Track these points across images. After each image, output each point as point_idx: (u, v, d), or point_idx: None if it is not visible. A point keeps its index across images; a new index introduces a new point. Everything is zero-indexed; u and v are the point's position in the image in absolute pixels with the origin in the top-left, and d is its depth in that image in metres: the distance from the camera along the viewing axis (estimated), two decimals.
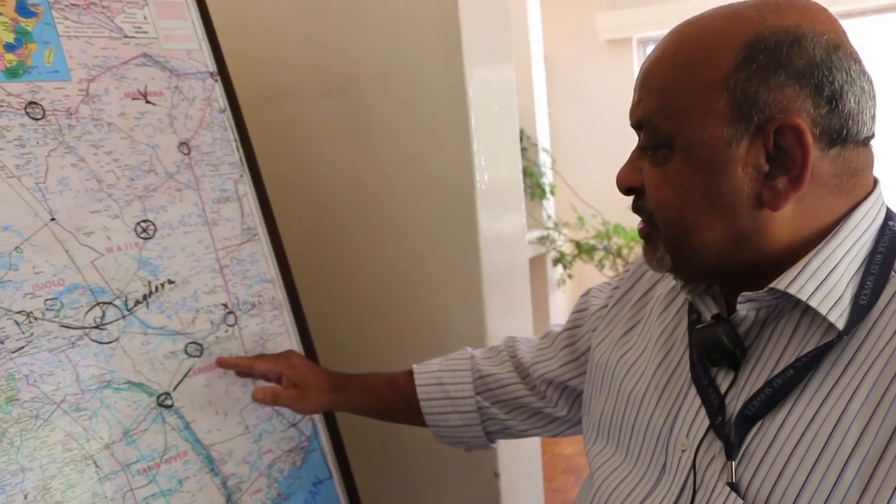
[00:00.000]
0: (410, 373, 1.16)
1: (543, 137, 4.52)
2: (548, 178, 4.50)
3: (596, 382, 0.98)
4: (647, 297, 0.97)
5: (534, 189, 4.37)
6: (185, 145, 1.17)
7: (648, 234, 0.80)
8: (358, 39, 1.44)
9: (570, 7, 4.94)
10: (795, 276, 0.72)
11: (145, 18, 1.16)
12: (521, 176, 1.50)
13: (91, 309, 1.03)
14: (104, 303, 1.04)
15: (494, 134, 1.42)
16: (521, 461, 1.45)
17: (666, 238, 0.78)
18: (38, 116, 1.03)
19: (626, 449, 0.89)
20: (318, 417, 1.24)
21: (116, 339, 1.05)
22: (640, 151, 0.79)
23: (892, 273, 0.72)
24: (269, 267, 1.24)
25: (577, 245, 4.61)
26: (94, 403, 1.01)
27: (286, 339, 1.24)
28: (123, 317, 1.06)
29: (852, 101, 0.70)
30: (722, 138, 0.71)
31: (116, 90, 1.11)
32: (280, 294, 1.24)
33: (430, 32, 1.37)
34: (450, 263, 1.41)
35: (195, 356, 1.12)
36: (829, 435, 0.69)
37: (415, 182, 1.43)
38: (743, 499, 0.72)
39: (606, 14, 4.83)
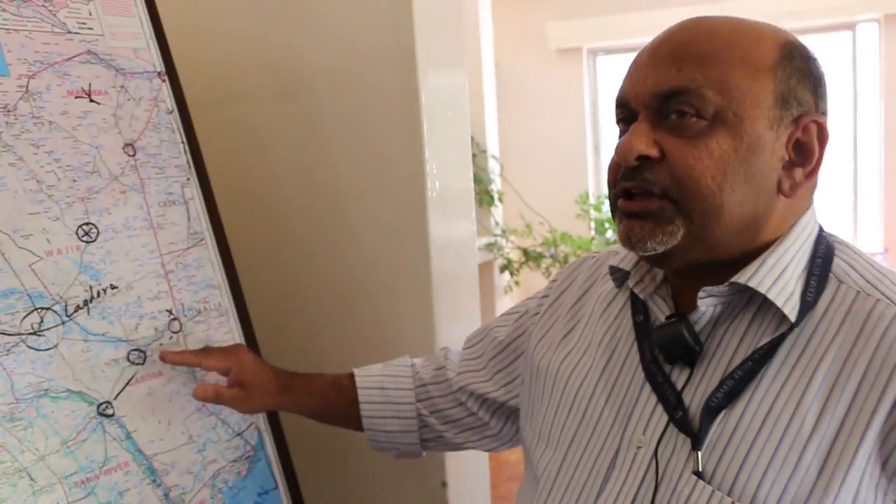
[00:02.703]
0: (352, 376, 1.16)
1: (492, 144, 4.55)
2: (496, 185, 4.52)
3: (538, 389, 1.00)
4: (582, 301, 1.00)
5: (482, 196, 4.39)
6: (130, 146, 1.14)
7: (661, 208, 0.79)
8: (310, 42, 1.43)
9: (521, 15, 4.97)
10: (755, 272, 0.79)
11: (90, 14, 1.13)
12: (472, 183, 1.50)
13: (28, 314, 0.99)
14: (42, 308, 1.00)
15: (446, 140, 1.42)
16: (468, 470, 1.45)
17: (692, 210, 0.77)
18: None
19: (569, 450, 0.90)
20: (263, 426, 1.21)
21: (55, 346, 1.01)
22: (653, 122, 0.79)
23: (831, 275, 0.81)
24: (216, 272, 1.21)
25: (525, 252, 4.64)
26: (29, 413, 0.97)
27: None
28: (63, 323, 1.02)
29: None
30: (768, 120, 0.77)
31: (59, 87, 1.08)
32: (226, 300, 1.21)
33: (383, 37, 1.36)
34: (400, 270, 1.40)
35: (138, 364, 1.09)
36: (789, 420, 0.75)
37: (366, 188, 1.42)
38: (709, 484, 0.76)
39: (557, 23, 4.88)
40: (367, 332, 1.44)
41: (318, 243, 1.48)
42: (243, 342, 1.22)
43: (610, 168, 0.85)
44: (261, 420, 1.21)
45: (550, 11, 4.94)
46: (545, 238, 4.60)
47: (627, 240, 0.81)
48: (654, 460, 0.81)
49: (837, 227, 4.82)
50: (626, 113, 0.83)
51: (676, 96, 0.77)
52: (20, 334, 0.98)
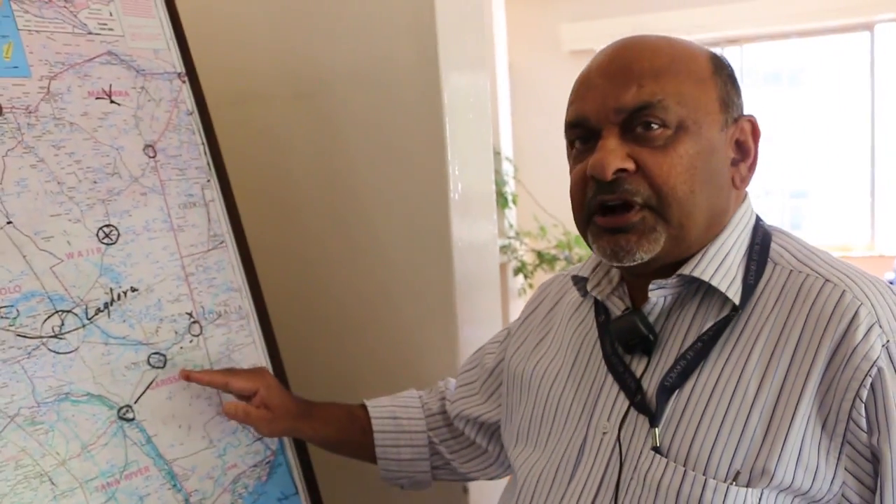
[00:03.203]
0: (364, 406, 1.19)
1: (506, 146, 4.52)
2: (510, 188, 4.49)
3: (514, 394, 1.06)
4: (553, 312, 1.08)
5: (496, 198, 4.36)
6: (150, 148, 1.13)
7: (643, 218, 0.84)
8: (330, 42, 1.41)
9: (535, 17, 4.95)
10: (698, 262, 0.86)
11: (111, 15, 1.12)
12: (493, 185, 1.49)
13: (49, 317, 0.98)
14: (63, 311, 0.99)
15: (468, 142, 1.40)
16: None
17: (673, 217, 0.84)
18: None
19: (545, 444, 0.97)
20: None
21: (76, 349, 1.00)
22: (621, 137, 0.84)
23: (769, 259, 0.88)
24: (236, 275, 1.20)
25: (539, 255, 4.61)
26: (50, 417, 0.96)
27: (252, 350, 1.20)
28: (83, 326, 1.01)
29: None
30: (718, 124, 0.86)
31: (80, 88, 1.07)
32: (247, 303, 1.20)
33: (405, 37, 1.35)
34: (422, 272, 1.39)
35: (158, 367, 1.08)
36: (734, 391, 0.82)
37: (387, 189, 1.40)
38: (666, 458, 0.83)
39: (571, 25, 4.86)
40: (389, 335, 1.42)
41: (338, 245, 1.46)
42: (264, 345, 1.21)
43: (575, 186, 0.89)
44: None
45: (564, 13, 4.91)
46: (559, 240, 4.56)
47: (614, 254, 0.86)
48: (617, 443, 0.88)
49: (854, 230, 4.77)
50: (584, 132, 0.87)
51: (643, 110, 0.83)
52: (41, 337, 0.97)
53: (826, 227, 4.85)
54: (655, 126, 0.83)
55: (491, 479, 1.21)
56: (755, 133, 0.89)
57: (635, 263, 0.86)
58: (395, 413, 1.19)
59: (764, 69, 4.93)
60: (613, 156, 0.83)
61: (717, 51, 0.91)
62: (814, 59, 4.85)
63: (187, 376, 1.08)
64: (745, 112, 0.90)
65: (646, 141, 0.83)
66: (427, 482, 1.22)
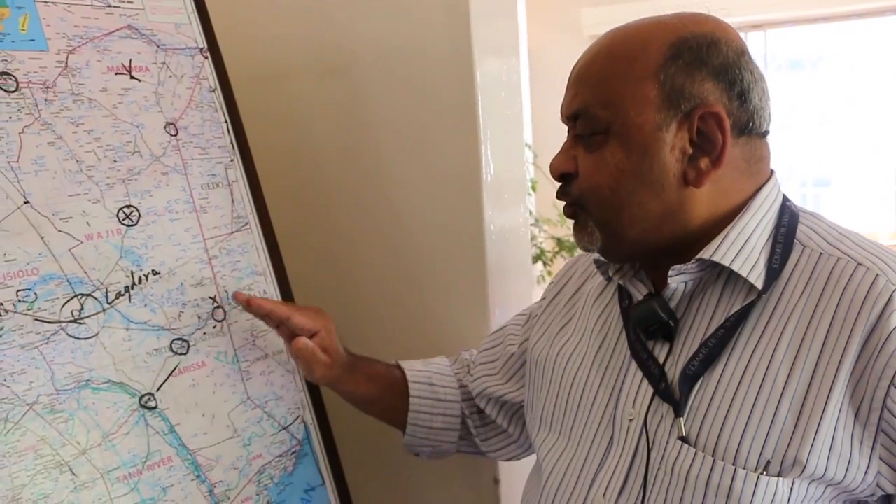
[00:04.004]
0: (401, 368, 1.17)
1: (526, 132, 4.46)
2: (529, 174, 4.44)
3: (537, 379, 1.05)
4: (578, 295, 1.07)
5: None
6: (172, 126, 1.09)
7: (574, 214, 0.90)
8: (360, 17, 1.35)
9: (555, 1, 4.88)
10: (718, 246, 0.84)
11: None
12: (524, 168, 1.44)
13: (68, 301, 0.94)
14: (83, 295, 0.95)
15: (501, 123, 1.35)
16: (520, 467, 1.38)
17: (598, 216, 0.87)
18: (12, 89, 0.94)
19: (570, 432, 0.96)
20: (310, 419, 1.16)
21: (96, 335, 0.96)
22: (573, 141, 0.89)
23: (796, 241, 0.85)
24: (261, 258, 1.16)
25: (558, 241, 4.56)
26: (70, 405, 0.92)
27: (276, 336, 1.15)
28: (104, 310, 0.97)
29: (756, 99, 0.84)
30: (654, 123, 0.82)
31: (98, 63, 1.02)
32: (272, 287, 1.16)
33: (438, 15, 1.29)
34: (453, 257, 1.34)
35: (181, 353, 1.04)
36: (762, 379, 0.80)
37: (417, 171, 1.35)
38: (694, 447, 0.82)
39: (592, 9, 4.78)
40: (418, 322, 1.38)
41: (365, 228, 1.41)
42: None
43: None
44: (307, 413, 1.16)
45: None
46: None
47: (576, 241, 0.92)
48: (644, 430, 0.87)
49: (879, 218, 4.69)
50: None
51: (578, 117, 0.87)
52: (60, 322, 0.93)
53: (849, 215, 4.77)
54: (588, 131, 0.86)
55: (508, 459, 1.20)
56: (721, 125, 0.82)
57: (593, 253, 0.92)
58: (432, 379, 1.17)
59: (788, 55, 4.84)
60: (559, 161, 0.89)
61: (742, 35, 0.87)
62: (839, 44, 4.75)
63: (247, 301, 1.05)
64: (750, 99, 0.84)
65: (586, 145, 0.87)
66: (450, 453, 1.20)
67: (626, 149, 0.83)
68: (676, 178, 0.83)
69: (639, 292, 0.92)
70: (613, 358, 0.94)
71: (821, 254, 0.83)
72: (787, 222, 0.87)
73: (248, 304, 1.05)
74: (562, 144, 0.91)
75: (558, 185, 0.92)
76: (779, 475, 0.78)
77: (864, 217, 4.74)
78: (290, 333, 1.08)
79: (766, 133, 0.88)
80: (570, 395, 0.97)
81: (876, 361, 0.77)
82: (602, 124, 0.84)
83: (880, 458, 0.78)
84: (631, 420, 0.88)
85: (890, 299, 0.77)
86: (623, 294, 0.95)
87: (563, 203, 0.91)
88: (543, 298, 1.13)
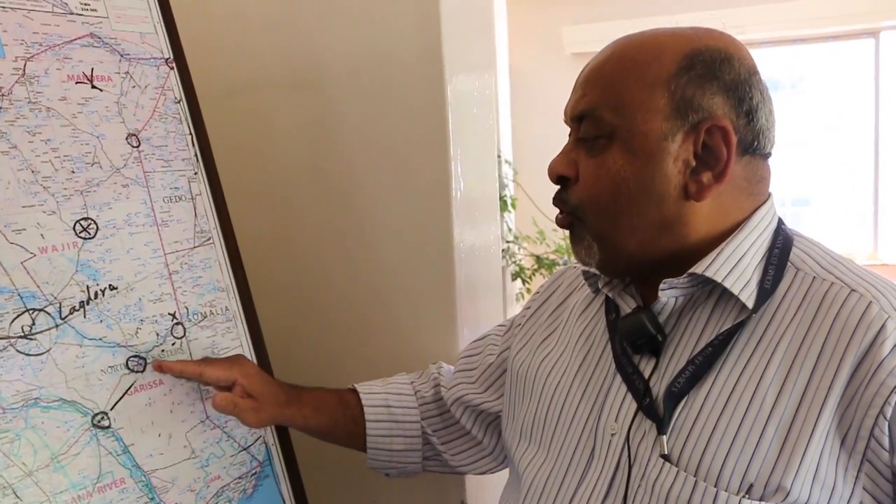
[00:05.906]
0: (356, 392, 1.14)
1: (506, 149, 4.46)
2: (509, 191, 4.43)
3: (518, 390, 1.04)
4: (563, 307, 1.06)
5: None
6: (134, 137, 1.06)
7: (570, 224, 0.89)
8: (331, 30, 1.34)
9: (536, 19, 4.89)
10: (711, 262, 0.83)
11: None
12: (497, 186, 1.42)
13: (18, 316, 0.91)
14: (34, 309, 0.92)
15: (472, 140, 1.33)
16: (489, 488, 1.36)
17: (594, 224, 0.86)
18: None
19: (550, 444, 0.94)
20: (272, 440, 1.13)
21: (47, 351, 0.92)
22: (575, 143, 0.88)
23: (789, 264, 0.85)
24: (224, 274, 1.13)
25: (537, 259, 4.55)
26: (17, 424, 0.88)
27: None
28: (56, 326, 0.94)
29: (763, 119, 0.84)
30: (660, 132, 0.81)
31: (58, 72, 1.00)
32: (234, 304, 1.13)
33: (409, 29, 1.28)
34: (422, 275, 1.32)
35: (137, 371, 1.00)
36: (749, 401, 0.79)
37: (386, 188, 1.33)
38: (676, 466, 0.80)
39: (574, 28, 4.80)
40: (384, 341, 1.35)
41: (333, 245, 1.39)
42: (252, 350, 1.14)
43: None
44: (269, 434, 1.13)
45: (566, 15, 4.85)
46: (558, 245, 4.49)
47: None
48: (626, 446, 0.85)
49: (857, 238, 4.72)
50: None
51: (583, 119, 0.86)
52: (9, 337, 0.90)
53: (828, 235, 4.79)
54: (592, 134, 0.85)
55: (481, 473, 1.17)
56: (727, 140, 0.82)
57: (592, 268, 0.90)
58: (388, 401, 1.15)
59: (767, 75, 4.86)
60: (559, 163, 0.88)
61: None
62: (817, 65, 4.80)
63: (159, 366, 1.01)
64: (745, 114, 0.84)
65: (589, 149, 0.85)
66: (416, 472, 1.19)
67: (629, 155, 0.82)
68: (677, 190, 0.83)
69: (627, 305, 0.91)
70: (597, 371, 0.93)
71: (814, 278, 0.83)
72: (781, 244, 0.86)
73: (160, 369, 1.01)
74: (561, 149, 0.90)
75: (552, 191, 0.90)
76: (761, 500, 0.77)
77: (841, 237, 4.76)
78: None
79: (768, 155, 0.87)
80: (550, 407, 0.96)
81: (866, 389, 0.75)
82: (607, 128, 0.83)
83: (864, 489, 0.77)
84: (613, 434, 0.87)
85: (883, 327, 0.76)
86: (610, 307, 0.94)
87: (557, 211, 0.89)
88: (527, 308, 1.12)
